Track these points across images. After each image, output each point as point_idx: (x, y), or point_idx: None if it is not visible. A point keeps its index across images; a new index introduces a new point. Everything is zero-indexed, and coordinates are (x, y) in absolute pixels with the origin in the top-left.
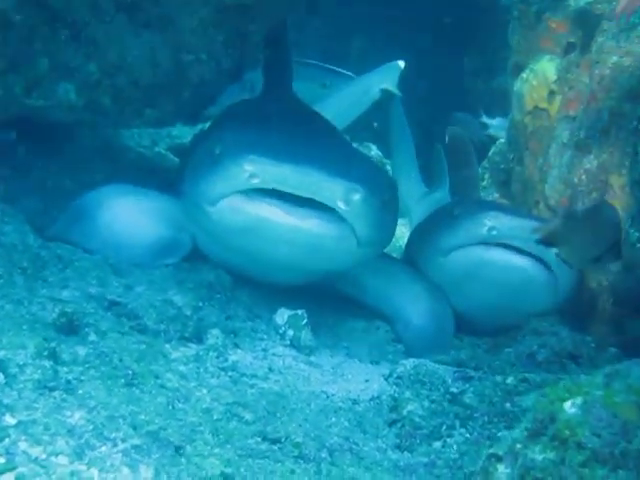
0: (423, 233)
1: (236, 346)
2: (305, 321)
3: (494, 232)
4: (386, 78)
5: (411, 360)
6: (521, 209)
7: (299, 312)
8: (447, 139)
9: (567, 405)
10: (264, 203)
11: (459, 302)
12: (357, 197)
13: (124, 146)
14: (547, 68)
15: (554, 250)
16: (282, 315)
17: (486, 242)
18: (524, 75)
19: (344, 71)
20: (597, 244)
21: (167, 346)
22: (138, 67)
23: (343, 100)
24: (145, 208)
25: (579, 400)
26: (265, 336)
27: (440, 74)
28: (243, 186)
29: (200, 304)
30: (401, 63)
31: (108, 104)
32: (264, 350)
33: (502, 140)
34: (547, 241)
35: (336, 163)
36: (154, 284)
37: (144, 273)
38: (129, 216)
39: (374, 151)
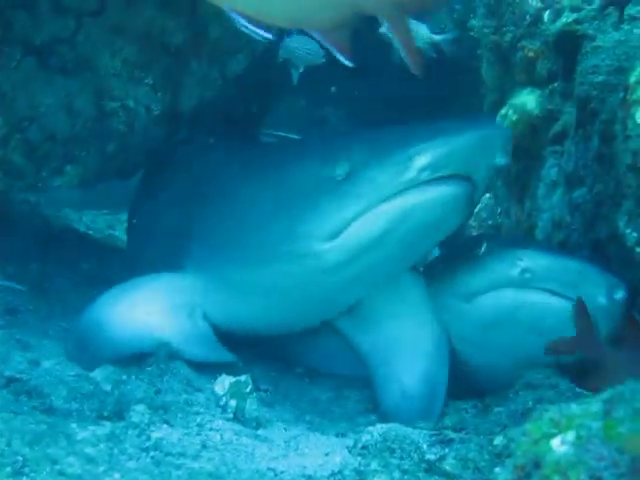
0: (439, 273)
1: (165, 422)
2: (250, 387)
3: (528, 275)
4: None
5: (379, 426)
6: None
7: (242, 378)
8: None
9: (555, 443)
10: None
11: (480, 355)
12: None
13: (66, 227)
14: (528, 102)
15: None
16: (223, 383)
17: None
18: (503, 112)
19: None
20: None
21: (73, 426)
22: (53, 118)
23: None
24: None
25: (571, 435)
26: (202, 410)
27: None
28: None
29: (124, 377)
30: None
31: (21, 163)
32: (199, 425)
33: (488, 195)
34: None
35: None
36: None
37: (57, 346)
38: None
39: None
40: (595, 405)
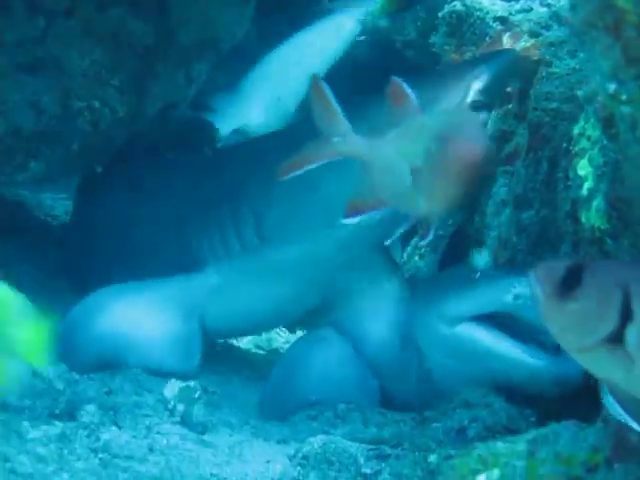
0: (429, 293)
1: (114, 424)
2: (198, 394)
3: (520, 301)
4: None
5: (319, 437)
6: None
7: (191, 383)
8: None
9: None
10: None
11: (450, 379)
12: None
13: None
14: None
15: None
16: (172, 388)
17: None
18: None
19: None
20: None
21: (25, 424)
22: (19, 113)
23: None
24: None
25: (496, 473)
26: (151, 412)
27: None
28: None
29: (76, 377)
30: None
31: None
32: (147, 428)
33: None
34: None
35: None
36: None
37: None
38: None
39: None
40: (520, 445)
